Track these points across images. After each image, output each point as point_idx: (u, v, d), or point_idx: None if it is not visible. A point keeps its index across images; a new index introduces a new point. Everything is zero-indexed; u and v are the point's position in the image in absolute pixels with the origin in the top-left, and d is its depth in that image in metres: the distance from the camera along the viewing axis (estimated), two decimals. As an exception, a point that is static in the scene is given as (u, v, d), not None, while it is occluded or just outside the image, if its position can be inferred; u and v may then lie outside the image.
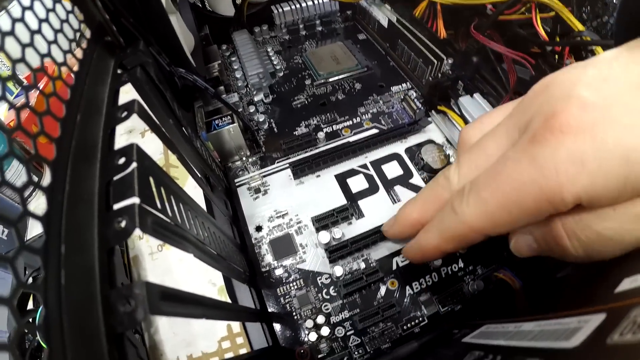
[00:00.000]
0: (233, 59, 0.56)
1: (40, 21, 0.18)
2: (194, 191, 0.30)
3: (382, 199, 0.40)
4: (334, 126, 0.47)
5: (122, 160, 0.16)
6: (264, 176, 0.42)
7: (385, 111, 0.48)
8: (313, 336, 0.32)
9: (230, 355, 0.34)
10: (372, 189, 0.40)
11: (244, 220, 0.38)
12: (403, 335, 0.32)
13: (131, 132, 0.51)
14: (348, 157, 0.43)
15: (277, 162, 0.44)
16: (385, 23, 0.55)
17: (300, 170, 0.41)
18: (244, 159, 0.44)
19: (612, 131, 0.16)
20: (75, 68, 0.20)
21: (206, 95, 0.43)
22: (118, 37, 0.24)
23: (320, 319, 0.33)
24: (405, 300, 0.34)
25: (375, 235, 0.35)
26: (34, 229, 0.43)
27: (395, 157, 0.43)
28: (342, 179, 0.41)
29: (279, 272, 0.36)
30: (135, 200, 0.15)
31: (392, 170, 0.42)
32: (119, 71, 0.23)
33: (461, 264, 0.35)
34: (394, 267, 0.35)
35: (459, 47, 0.48)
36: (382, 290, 0.34)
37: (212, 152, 0.41)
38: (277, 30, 0.62)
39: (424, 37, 0.47)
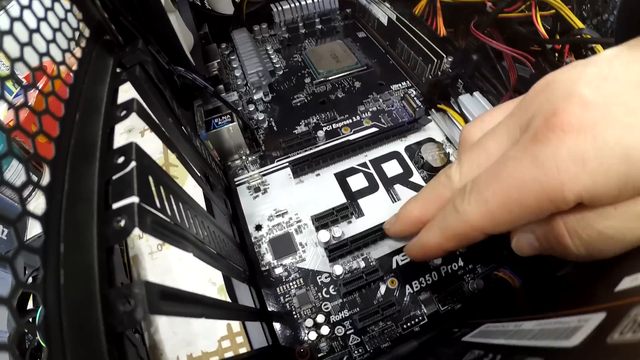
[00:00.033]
0: (232, 57, 0.56)
1: (39, 20, 0.18)
2: (194, 190, 0.30)
3: (382, 197, 0.40)
4: (333, 125, 0.47)
5: (121, 160, 0.16)
6: (264, 175, 0.42)
7: (385, 109, 0.48)
8: (313, 335, 0.32)
9: (230, 354, 0.34)
10: (371, 188, 0.40)
11: (243, 219, 0.38)
12: (403, 334, 0.32)
13: (130, 132, 0.51)
14: (348, 156, 0.43)
15: (277, 161, 0.43)
16: (385, 21, 0.55)
17: (299, 169, 0.41)
18: (244, 157, 0.44)
19: (613, 130, 0.16)
20: (74, 67, 0.20)
21: (205, 94, 0.43)
22: (117, 35, 0.24)
23: (320, 318, 0.33)
24: (405, 299, 0.34)
25: (375, 234, 0.35)
26: (34, 229, 0.43)
27: (395, 155, 0.43)
28: (341, 177, 0.41)
29: (278, 271, 0.36)
30: (135, 199, 0.14)
31: (392, 168, 0.42)
32: (118, 70, 0.23)
33: (461, 263, 0.35)
34: (394, 265, 0.35)
35: (458, 45, 0.48)
36: (382, 289, 0.34)
37: (212, 151, 0.41)
38: (277, 28, 0.62)
39: (423, 35, 0.47)
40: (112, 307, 0.13)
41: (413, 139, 0.44)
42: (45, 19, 0.19)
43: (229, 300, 0.34)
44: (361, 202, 0.39)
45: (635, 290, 0.14)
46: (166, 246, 0.42)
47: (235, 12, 0.59)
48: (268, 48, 0.58)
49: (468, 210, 0.22)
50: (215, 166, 0.38)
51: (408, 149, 0.43)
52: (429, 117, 0.45)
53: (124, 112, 0.19)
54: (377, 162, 0.42)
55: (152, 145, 0.48)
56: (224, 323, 0.36)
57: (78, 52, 0.21)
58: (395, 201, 0.39)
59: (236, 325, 0.36)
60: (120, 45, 0.24)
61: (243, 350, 0.34)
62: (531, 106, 0.20)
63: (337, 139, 0.45)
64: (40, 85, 0.43)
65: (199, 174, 0.31)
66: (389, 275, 0.35)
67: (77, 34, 0.21)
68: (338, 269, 0.34)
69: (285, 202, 0.40)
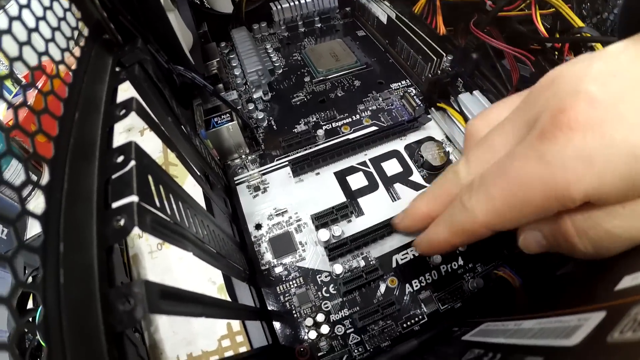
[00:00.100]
0: (232, 56, 0.56)
1: (38, 19, 0.18)
2: (193, 189, 0.30)
3: (382, 196, 0.40)
4: (333, 123, 0.47)
5: (120, 159, 0.16)
6: (264, 174, 0.42)
7: (384, 108, 0.48)
8: (313, 334, 0.32)
9: (230, 353, 0.34)
10: (371, 187, 0.40)
11: (243, 219, 0.38)
12: (403, 333, 0.32)
13: (130, 131, 0.51)
14: (347, 155, 0.43)
15: (277, 160, 0.43)
16: (384, 20, 0.55)
17: (299, 167, 0.41)
18: (243, 156, 0.44)
19: (620, 129, 0.16)
20: (74, 66, 0.20)
21: (205, 93, 0.43)
22: (116, 34, 0.24)
23: (320, 317, 0.33)
24: (405, 298, 0.34)
25: (375, 233, 0.35)
26: (33, 228, 0.43)
27: (394, 154, 0.43)
28: (341, 176, 0.41)
29: (278, 270, 0.36)
30: (134, 198, 0.14)
31: (392, 167, 0.42)
32: (117, 69, 0.23)
33: (461, 262, 0.35)
34: (394, 264, 0.35)
35: (458, 43, 0.48)
36: (382, 288, 0.34)
37: (211, 150, 0.41)
38: (276, 27, 0.62)
39: (423, 33, 0.47)
40: (111, 307, 0.13)
41: (413, 137, 0.44)
42: (44, 18, 0.19)
43: (228, 299, 0.34)
44: (361, 201, 0.39)
45: (635, 289, 0.14)
46: (166, 245, 0.42)
47: (234, 10, 0.59)
48: (267, 47, 0.58)
49: (475, 207, 0.22)
50: (215, 165, 0.38)
51: (408, 147, 0.43)
52: (429, 116, 0.45)
53: (123, 111, 0.19)
54: (376, 161, 0.42)
55: (152, 145, 0.48)
56: (224, 322, 0.36)
57: (77, 51, 0.21)
58: (395, 200, 0.39)
59: (236, 324, 0.36)
60: (119, 44, 0.24)
61: (243, 349, 0.34)
62: (537, 102, 0.20)
63: (337, 138, 0.45)
64: (39, 84, 0.43)
65: (199, 173, 0.31)
66: (388, 274, 0.35)
67: (76, 33, 0.21)
68: (338, 268, 0.34)
69: (285, 201, 0.40)
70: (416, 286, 0.34)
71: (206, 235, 0.23)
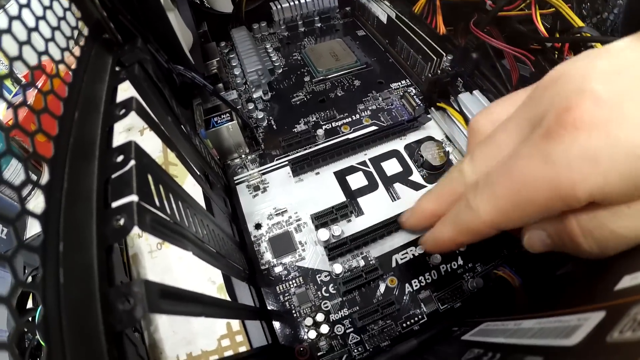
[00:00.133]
0: (232, 56, 0.56)
1: (38, 19, 0.18)
2: (193, 189, 0.30)
3: (382, 196, 0.40)
4: (333, 123, 0.47)
5: (120, 158, 0.16)
6: (263, 174, 0.42)
7: (384, 108, 0.48)
8: (312, 334, 0.32)
9: (229, 353, 0.34)
10: (371, 187, 0.40)
11: (243, 218, 0.38)
12: (402, 333, 0.32)
13: (130, 130, 0.51)
14: (347, 154, 0.43)
15: (276, 160, 0.43)
16: (384, 19, 0.55)
17: (299, 167, 0.41)
18: (243, 156, 0.44)
19: (626, 128, 0.16)
20: (73, 66, 0.20)
21: (205, 93, 0.43)
22: (116, 34, 0.24)
23: (320, 317, 0.33)
24: (405, 297, 0.34)
25: (375, 233, 0.35)
26: (33, 228, 0.43)
27: (394, 154, 0.43)
28: (341, 176, 0.41)
29: (278, 269, 0.36)
30: (134, 198, 0.14)
31: (392, 167, 0.42)
32: (117, 68, 0.23)
33: (460, 262, 0.35)
34: (394, 264, 0.35)
35: (458, 43, 0.48)
36: (382, 287, 0.34)
37: (211, 149, 0.41)
38: (276, 26, 0.62)
39: (423, 33, 0.47)
40: (111, 306, 0.13)
41: (412, 137, 0.44)
42: (44, 17, 0.19)
43: (228, 299, 0.34)
44: (361, 200, 0.39)
45: (635, 289, 0.14)
46: (166, 245, 0.41)
47: (234, 10, 0.59)
48: (267, 46, 0.58)
49: (480, 206, 0.22)
50: (215, 165, 0.38)
51: (407, 147, 0.43)
52: (429, 116, 0.45)
53: (123, 111, 0.19)
54: (376, 161, 0.42)
55: (152, 144, 0.48)
56: (224, 322, 0.36)
57: (77, 51, 0.21)
58: (395, 200, 0.39)
59: (236, 324, 0.36)
60: (119, 43, 0.24)
61: (243, 349, 0.34)
62: (542, 100, 0.20)
63: (337, 138, 0.45)
64: (39, 84, 0.43)
65: (199, 173, 0.31)
66: (388, 274, 0.35)
67: (76, 32, 0.21)
68: (338, 268, 0.34)
69: (285, 200, 0.40)
70: (416, 286, 0.34)
71: (206, 234, 0.23)
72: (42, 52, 0.17)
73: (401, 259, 0.36)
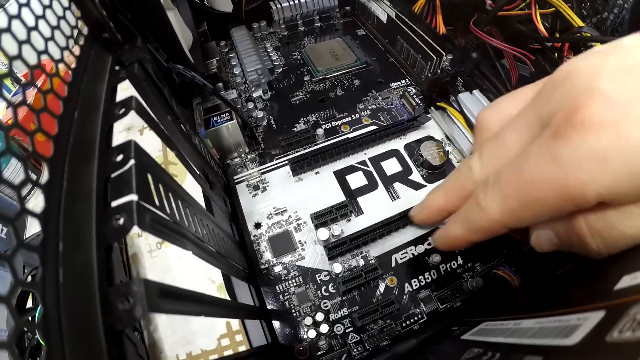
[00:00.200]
0: (231, 55, 0.56)
1: (37, 18, 0.18)
2: (193, 188, 0.30)
3: (381, 195, 0.40)
4: (332, 123, 0.47)
5: (119, 158, 0.16)
6: (263, 173, 0.42)
7: (384, 107, 0.48)
8: (312, 333, 0.32)
9: (229, 352, 0.34)
10: (371, 186, 0.40)
11: (242, 218, 0.38)
12: (402, 332, 0.32)
13: (130, 130, 0.51)
14: (347, 154, 0.43)
15: (276, 159, 0.43)
16: (384, 19, 0.55)
17: (299, 167, 0.41)
18: (243, 155, 0.44)
19: (635, 129, 0.16)
20: (73, 65, 0.20)
21: (205, 92, 0.43)
22: (115, 33, 0.24)
23: (320, 316, 0.33)
24: (404, 297, 0.34)
25: (375, 232, 0.35)
26: (33, 227, 0.43)
27: (394, 153, 0.43)
28: (341, 175, 0.41)
29: (278, 269, 0.36)
30: (133, 197, 0.14)
31: (391, 166, 0.42)
32: (116, 68, 0.23)
33: (460, 261, 0.35)
34: (393, 264, 0.35)
35: (458, 43, 0.48)
36: (381, 287, 0.34)
37: (211, 149, 0.41)
38: (276, 26, 0.62)
39: (423, 33, 0.47)
40: (111, 306, 0.13)
41: (412, 137, 0.44)
42: (43, 16, 0.18)
43: (228, 298, 0.34)
44: (360, 200, 0.39)
45: (635, 288, 0.14)
46: (165, 244, 0.41)
47: (234, 9, 0.59)
48: (267, 46, 0.58)
49: (490, 205, 0.22)
50: (215, 164, 0.38)
51: (407, 147, 0.43)
52: (428, 115, 0.45)
53: (122, 110, 0.19)
54: (376, 160, 0.42)
55: (151, 143, 0.48)
56: (224, 321, 0.36)
57: (77, 50, 0.21)
58: (395, 199, 0.39)
59: (235, 323, 0.36)
60: (118, 43, 0.24)
61: (242, 348, 0.34)
62: (551, 98, 0.20)
63: (337, 137, 0.45)
64: (38, 83, 0.43)
65: (198, 172, 0.31)
66: (388, 274, 0.35)
67: (75, 32, 0.21)
68: (337, 267, 0.34)
69: (285, 200, 0.40)
70: (415, 285, 0.34)
71: (205, 234, 0.23)
72: (41, 52, 0.17)
73: (401, 259, 0.36)
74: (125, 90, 0.21)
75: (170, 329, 0.36)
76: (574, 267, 0.26)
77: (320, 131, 0.45)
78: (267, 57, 0.55)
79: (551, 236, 0.21)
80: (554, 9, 0.36)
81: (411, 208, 0.34)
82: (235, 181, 0.41)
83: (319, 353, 0.32)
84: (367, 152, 0.43)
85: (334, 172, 0.42)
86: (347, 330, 0.32)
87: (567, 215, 0.19)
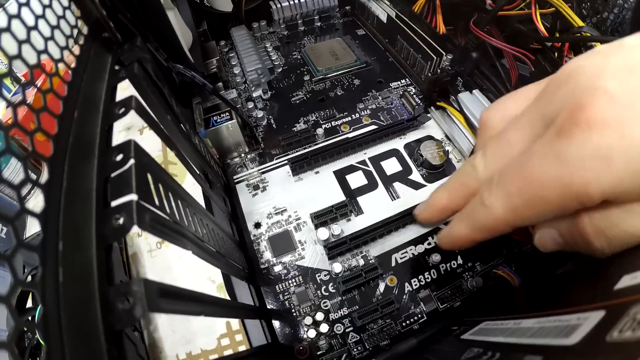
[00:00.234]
0: (231, 54, 0.56)
1: (37, 17, 0.18)
2: (193, 188, 0.30)
3: (381, 195, 0.40)
4: (332, 122, 0.47)
5: (119, 157, 0.16)
6: (263, 173, 0.42)
7: (384, 107, 0.48)
8: (312, 333, 0.32)
9: (229, 352, 0.34)
10: (371, 186, 0.40)
11: (242, 217, 0.38)
12: (402, 332, 0.32)
13: (129, 129, 0.51)
14: (347, 154, 0.43)
15: (276, 159, 0.43)
16: (384, 18, 0.55)
17: (299, 166, 0.41)
18: (243, 155, 0.44)
19: (638, 127, 0.16)
20: (73, 65, 0.20)
21: (204, 92, 0.43)
22: (115, 33, 0.24)
23: (319, 316, 0.33)
24: (404, 297, 0.34)
25: (374, 232, 0.35)
26: (32, 227, 0.43)
27: (394, 153, 0.43)
28: (341, 175, 0.41)
29: (277, 268, 0.36)
30: (133, 197, 0.14)
31: (391, 166, 0.42)
32: (116, 67, 0.23)
33: (460, 261, 0.35)
34: (393, 263, 0.35)
35: (458, 42, 0.48)
36: (381, 287, 0.34)
37: (211, 148, 0.41)
38: (276, 25, 0.62)
39: (423, 32, 0.47)
40: (111, 305, 0.13)
41: (412, 136, 0.44)
42: (43, 16, 0.18)
43: (228, 298, 0.34)
44: (360, 200, 0.39)
45: (635, 288, 0.14)
46: (165, 244, 0.41)
47: (234, 9, 0.59)
48: (267, 45, 0.58)
49: (494, 204, 0.22)
50: (214, 164, 0.38)
51: (407, 146, 0.43)
52: (428, 115, 0.45)
53: (122, 110, 0.19)
54: (376, 160, 0.42)
55: (151, 143, 0.48)
56: (223, 321, 0.36)
57: (76, 50, 0.21)
58: (395, 199, 0.39)
59: (235, 323, 0.36)
60: (118, 42, 0.24)
61: (242, 348, 0.34)
62: (554, 98, 0.20)
63: (336, 137, 0.45)
64: (38, 83, 0.43)
65: (198, 172, 0.31)
66: (388, 273, 0.35)
67: (75, 31, 0.21)
68: (337, 267, 0.34)
69: (285, 199, 0.40)
70: (415, 285, 0.34)
71: (205, 233, 0.23)
72: (41, 51, 0.17)
73: (401, 258, 0.36)
74: (125, 89, 0.21)
75: (170, 329, 0.36)
76: (574, 267, 0.26)
77: (320, 131, 0.45)
78: (267, 57, 0.55)
79: (555, 235, 0.21)
80: (554, 8, 0.36)
81: (413, 207, 0.34)
82: (235, 181, 0.41)
83: (318, 353, 0.32)
84: (367, 152, 0.43)
85: (334, 172, 0.42)
86: (347, 330, 0.32)
87: (571, 214, 0.19)
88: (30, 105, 0.15)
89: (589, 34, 0.34)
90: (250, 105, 0.48)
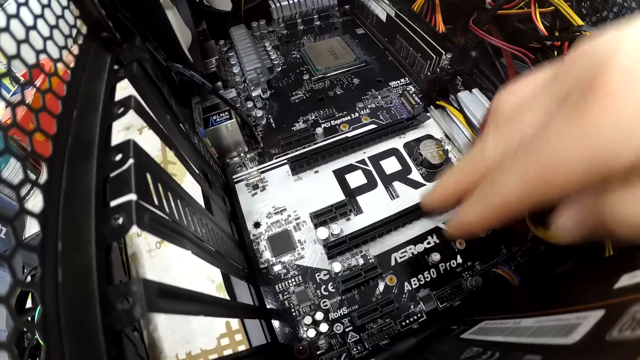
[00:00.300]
0: (231, 54, 0.56)
1: (36, 17, 0.18)
2: (192, 188, 0.30)
3: (381, 194, 0.40)
4: (332, 121, 0.47)
5: (118, 157, 0.16)
6: (262, 172, 0.42)
7: (383, 106, 0.48)
8: (312, 333, 0.32)
9: (229, 352, 0.34)
10: (370, 185, 0.40)
11: (242, 217, 0.38)
12: (402, 331, 0.32)
13: (129, 129, 0.51)
14: (346, 153, 0.43)
15: (275, 158, 0.43)
16: (383, 17, 0.55)
17: (298, 166, 0.41)
18: (242, 155, 0.44)
19: None
20: (72, 64, 0.20)
21: (204, 91, 0.43)
22: (114, 32, 0.24)
23: (319, 316, 0.33)
24: (404, 296, 0.34)
25: (374, 231, 0.35)
26: (32, 227, 0.43)
27: (393, 152, 0.43)
28: (340, 174, 0.41)
29: (277, 268, 0.36)
30: (132, 196, 0.14)
31: (391, 165, 0.42)
32: (115, 67, 0.23)
33: (460, 260, 0.35)
34: (393, 263, 0.35)
35: (457, 41, 0.48)
36: (381, 286, 0.34)
37: (210, 148, 0.41)
38: (275, 25, 0.61)
39: (422, 31, 0.47)
40: (110, 305, 0.13)
41: (412, 135, 0.44)
42: (42, 16, 0.18)
43: (227, 297, 0.34)
44: (360, 199, 0.39)
45: (634, 287, 0.14)
46: (165, 244, 0.41)
47: (233, 8, 0.59)
48: (266, 45, 0.58)
49: (507, 184, 0.21)
50: (214, 163, 0.38)
51: (407, 145, 0.43)
52: (428, 114, 0.45)
53: (121, 110, 0.19)
54: (375, 159, 0.42)
55: (150, 143, 0.47)
56: (223, 321, 0.36)
57: (75, 50, 0.21)
58: (394, 198, 0.39)
59: (235, 322, 0.36)
60: (117, 42, 0.24)
61: (242, 347, 0.34)
62: (568, 76, 0.20)
63: (336, 136, 0.45)
64: (37, 82, 0.43)
65: (197, 172, 0.31)
66: (387, 273, 0.35)
67: (74, 31, 0.21)
68: (337, 266, 0.34)
69: (284, 199, 0.40)
70: (415, 284, 0.34)
71: (205, 233, 0.23)
72: (40, 51, 0.17)
73: (400, 258, 0.36)
74: (124, 89, 0.21)
75: (170, 329, 0.36)
76: (574, 266, 0.26)
77: (319, 130, 0.45)
78: (267, 56, 0.55)
79: (577, 219, 0.21)
80: (553, 7, 0.36)
81: (413, 206, 0.34)
82: (235, 180, 0.41)
83: (318, 352, 0.32)
84: (367, 151, 0.43)
85: (334, 171, 0.42)
86: (346, 330, 0.32)
87: (592, 199, 0.19)
88: (29, 105, 0.15)
89: (588, 33, 0.34)
90: (250, 104, 0.48)
